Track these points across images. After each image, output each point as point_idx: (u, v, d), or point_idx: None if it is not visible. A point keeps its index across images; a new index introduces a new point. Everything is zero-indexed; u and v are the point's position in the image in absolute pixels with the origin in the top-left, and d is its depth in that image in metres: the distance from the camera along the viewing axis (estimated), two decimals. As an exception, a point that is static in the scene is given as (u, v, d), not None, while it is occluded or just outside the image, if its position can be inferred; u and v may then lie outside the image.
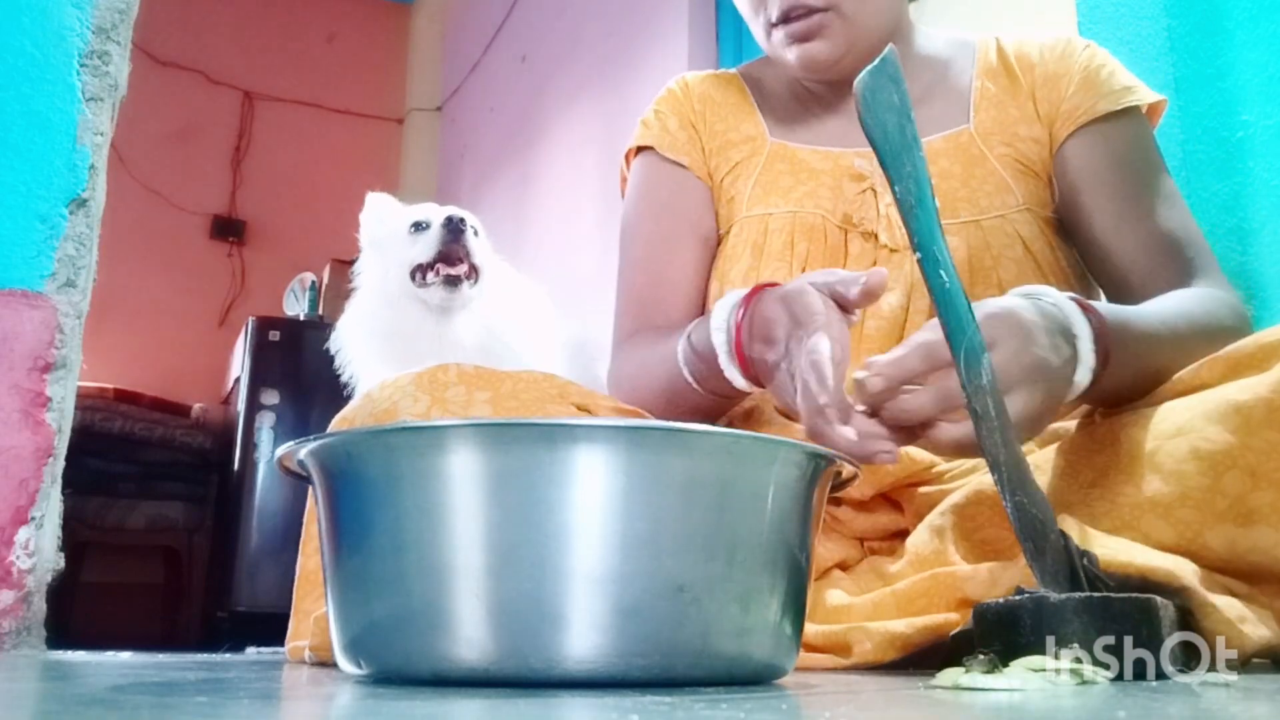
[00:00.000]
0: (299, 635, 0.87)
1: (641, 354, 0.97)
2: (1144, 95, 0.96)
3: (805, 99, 1.06)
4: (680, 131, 1.07)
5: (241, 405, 3.06)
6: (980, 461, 0.84)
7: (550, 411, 0.85)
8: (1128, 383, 0.75)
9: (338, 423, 0.88)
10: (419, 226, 1.93)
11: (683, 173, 1.05)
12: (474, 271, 1.90)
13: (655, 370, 0.92)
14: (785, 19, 0.95)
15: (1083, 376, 0.69)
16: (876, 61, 0.57)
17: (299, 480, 0.61)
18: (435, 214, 1.94)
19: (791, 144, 1.03)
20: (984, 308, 0.65)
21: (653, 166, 1.08)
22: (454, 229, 1.88)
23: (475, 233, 1.94)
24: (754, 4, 0.98)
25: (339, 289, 2.69)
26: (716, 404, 0.89)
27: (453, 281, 1.87)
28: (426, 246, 1.89)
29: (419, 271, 1.90)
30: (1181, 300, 0.85)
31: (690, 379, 0.86)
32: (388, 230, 1.97)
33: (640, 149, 1.09)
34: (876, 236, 0.95)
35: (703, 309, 1.03)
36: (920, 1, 1.58)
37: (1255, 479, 0.65)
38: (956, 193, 0.95)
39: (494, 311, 1.94)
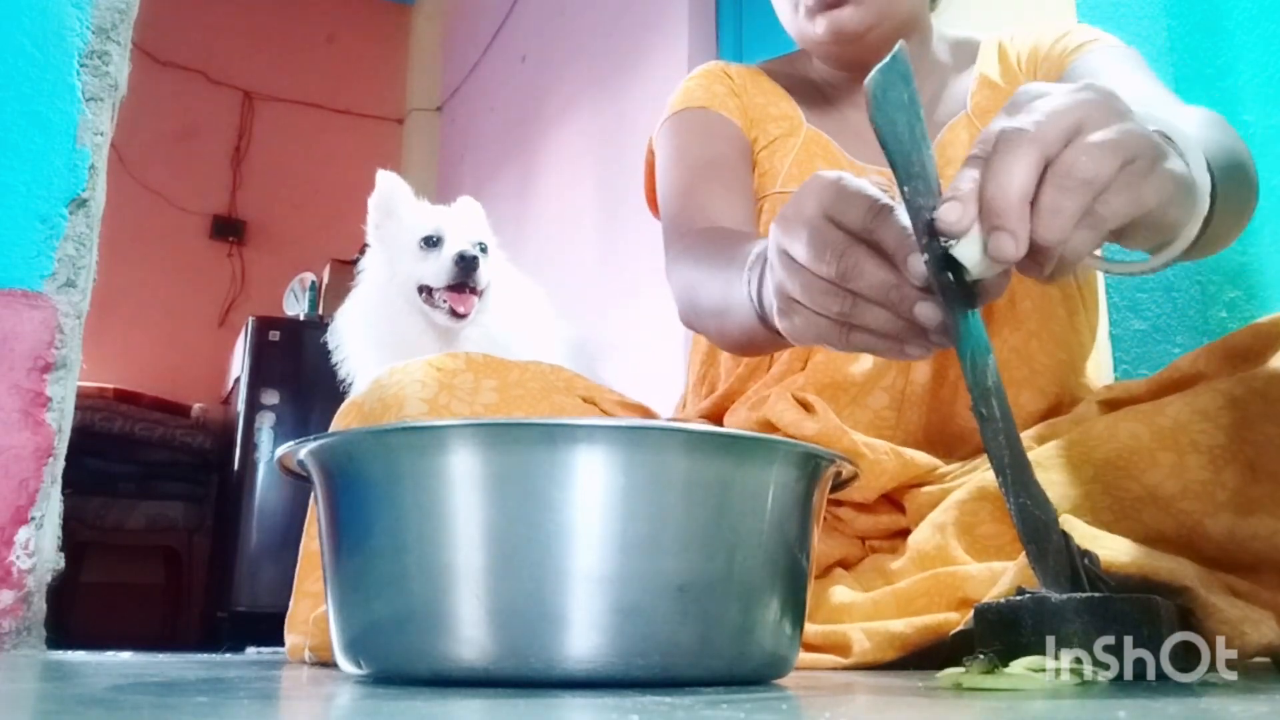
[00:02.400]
0: (299, 616, 0.87)
1: (697, 256, 0.88)
2: (1098, 35, 0.97)
3: (830, 95, 1.07)
4: (729, 99, 1.06)
5: (241, 405, 3.05)
6: (981, 461, 0.84)
7: (556, 401, 0.85)
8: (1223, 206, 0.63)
9: (345, 408, 0.87)
10: (430, 243, 1.89)
11: (731, 124, 1.04)
12: (480, 294, 1.89)
13: (710, 284, 0.81)
14: None
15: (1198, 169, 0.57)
16: (887, 59, 0.55)
17: (299, 480, 0.61)
18: (448, 232, 1.90)
19: (825, 135, 1.03)
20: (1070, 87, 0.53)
21: (696, 117, 1.05)
22: (466, 267, 1.84)
23: (484, 249, 1.91)
24: None
25: (339, 289, 2.69)
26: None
27: (459, 316, 1.86)
28: (436, 272, 1.86)
29: (426, 290, 1.89)
30: (1204, 129, 0.70)
31: (751, 298, 0.70)
32: (397, 228, 1.94)
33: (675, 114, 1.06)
34: None
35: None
36: None
37: (1254, 472, 0.66)
38: None
39: (498, 321, 1.92)
